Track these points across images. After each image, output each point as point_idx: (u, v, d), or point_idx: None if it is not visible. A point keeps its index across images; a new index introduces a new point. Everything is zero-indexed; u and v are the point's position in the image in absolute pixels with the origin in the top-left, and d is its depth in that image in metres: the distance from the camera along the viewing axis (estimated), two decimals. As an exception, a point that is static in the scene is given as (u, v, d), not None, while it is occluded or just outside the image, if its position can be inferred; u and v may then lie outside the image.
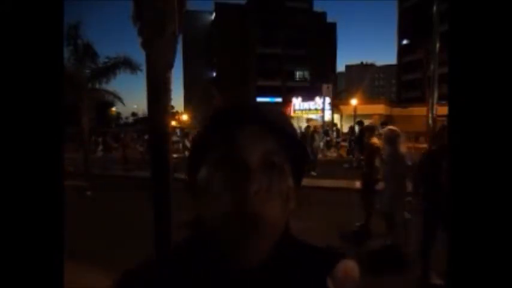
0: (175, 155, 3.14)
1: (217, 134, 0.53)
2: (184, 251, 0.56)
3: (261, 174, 0.50)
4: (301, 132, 13.12)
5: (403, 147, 4.58)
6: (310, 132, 13.14)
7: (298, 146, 0.57)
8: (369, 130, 5.78)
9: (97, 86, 13.04)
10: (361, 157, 6.79)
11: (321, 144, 15.81)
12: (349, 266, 0.59)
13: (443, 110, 3.65)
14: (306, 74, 60.49)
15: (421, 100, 32.02)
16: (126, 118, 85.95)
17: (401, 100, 50.77)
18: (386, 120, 10.96)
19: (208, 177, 0.52)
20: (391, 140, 4.53)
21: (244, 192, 0.48)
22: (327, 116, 25.32)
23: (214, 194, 0.50)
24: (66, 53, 11.94)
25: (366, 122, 11.28)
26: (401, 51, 53.53)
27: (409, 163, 4.64)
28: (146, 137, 14.00)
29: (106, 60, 12.72)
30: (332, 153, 18.42)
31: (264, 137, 0.52)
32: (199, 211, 0.54)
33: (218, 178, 0.51)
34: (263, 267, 0.51)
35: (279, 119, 0.54)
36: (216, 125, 0.54)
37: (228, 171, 0.50)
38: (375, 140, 5.29)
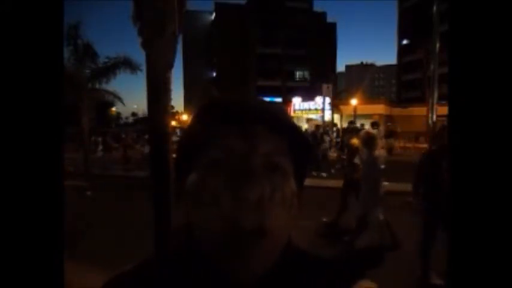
0: (175, 155, 3.12)
1: (211, 131, 0.47)
2: (184, 251, 0.52)
3: (263, 178, 0.44)
4: (310, 132, 13.05)
5: (377, 150, 4.68)
6: (319, 133, 13.11)
7: (304, 144, 0.51)
8: (350, 132, 5.98)
9: (97, 86, 13.07)
10: (343, 157, 7.04)
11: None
12: None
13: (443, 110, 3.65)
14: (306, 74, 60.48)
15: (421, 100, 32.05)
16: (126, 118, 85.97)
17: (401, 100, 50.78)
18: (378, 121, 11.16)
19: (201, 181, 0.46)
20: (367, 142, 4.61)
21: (245, 199, 0.42)
22: (327, 116, 25.39)
23: (209, 201, 0.44)
24: (66, 53, 11.97)
25: (367, 123, 11.34)
26: (401, 51, 53.54)
27: (382, 166, 4.74)
28: (146, 137, 14.03)
29: (106, 60, 12.76)
30: (332, 153, 18.42)
31: (266, 136, 0.46)
32: (189, 219, 0.48)
33: (214, 183, 0.44)
34: (266, 278, 0.46)
35: (282, 116, 0.49)
36: (210, 121, 0.48)
37: (226, 175, 0.44)
38: (355, 141, 5.45)
